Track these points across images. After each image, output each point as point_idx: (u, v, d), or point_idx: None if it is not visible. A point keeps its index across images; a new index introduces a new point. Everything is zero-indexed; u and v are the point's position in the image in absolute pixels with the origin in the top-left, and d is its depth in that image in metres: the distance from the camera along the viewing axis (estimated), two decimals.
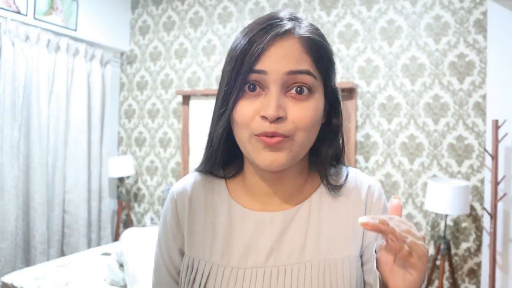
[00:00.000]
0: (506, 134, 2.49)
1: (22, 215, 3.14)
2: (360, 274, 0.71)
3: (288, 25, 0.65)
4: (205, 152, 0.76)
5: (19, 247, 3.10)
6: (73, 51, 3.51)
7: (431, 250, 2.91)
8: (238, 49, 0.65)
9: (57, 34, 3.40)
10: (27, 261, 3.18)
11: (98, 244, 3.74)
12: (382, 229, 0.53)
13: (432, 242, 2.91)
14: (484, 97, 2.77)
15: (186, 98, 3.67)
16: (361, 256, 0.72)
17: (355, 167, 3.09)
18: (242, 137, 0.67)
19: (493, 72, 2.69)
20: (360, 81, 3.13)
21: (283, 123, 0.63)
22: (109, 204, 3.94)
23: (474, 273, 2.80)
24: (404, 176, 2.99)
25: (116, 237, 3.91)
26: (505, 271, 2.64)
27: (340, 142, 0.76)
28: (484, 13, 2.77)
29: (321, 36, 0.69)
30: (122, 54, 4.17)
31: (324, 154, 0.74)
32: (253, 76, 0.64)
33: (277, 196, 0.73)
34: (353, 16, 3.17)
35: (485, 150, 2.56)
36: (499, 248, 2.62)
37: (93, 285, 2.43)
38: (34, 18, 3.18)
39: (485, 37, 2.77)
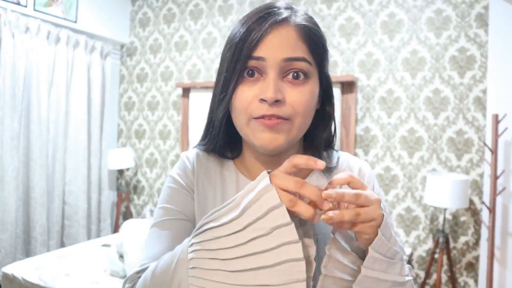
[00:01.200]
0: (506, 128, 2.50)
1: (22, 206, 3.15)
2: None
3: (284, 13, 0.68)
4: (206, 134, 0.80)
5: (19, 238, 3.11)
6: (73, 42, 3.50)
7: (430, 244, 2.92)
8: (237, 36, 0.68)
9: (57, 25, 3.39)
10: (27, 252, 3.20)
11: (98, 236, 3.76)
12: (343, 200, 0.57)
13: (430, 236, 2.92)
14: (484, 91, 2.77)
15: (186, 91, 3.67)
16: None
17: None
18: (241, 122, 0.70)
19: (493, 67, 2.68)
20: (360, 74, 3.12)
21: (281, 106, 0.66)
22: (109, 196, 3.95)
23: (472, 267, 2.81)
24: (403, 169, 3.00)
25: (115, 229, 3.92)
26: (503, 265, 2.66)
27: (332, 128, 0.80)
28: (486, 8, 2.76)
29: (316, 24, 0.72)
30: (122, 46, 4.16)
31: (318, 139, 0.78)
32: (252, 63, 0.66)
33: None
34: (354, 9, 3.16)
35: (484, 144, 2.57)
36: (497, 242, 2.63)
37: (93, 276, 2.44)
38: (34, 9, 3.17)
39: (486, 31, 2.76)
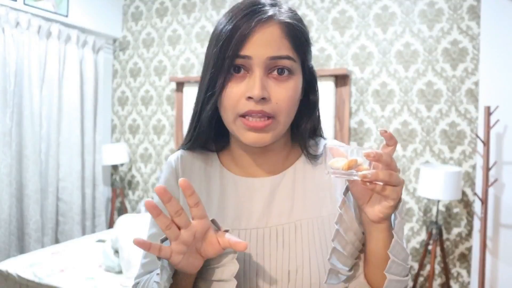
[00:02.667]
0: (498, 120, 2.51)
1: (15, 203, 3.13)
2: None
3: (270, 11, 0.70)
4: (191, 131, 0.80)
5: (13, 235, 3.10)
6: (64, 37, 3.47)
7: (423, 235, 2.95)
8: (223, 33, 0.69)
9: (48, 20, 3.35)
10: (21, 249, 3.19)
11: (93, 232, 3.75)
12: (380, 160, 0.60)
13: (424, 227, 2.95)
14: (476, 83, 2.78)
15: (180, 85, 3.65)
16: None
17: None
18: (228, 119, 0.72)
19: (486, 59, 2.70)
20: (354, 67, 3.13)
21: (267, 103, 0.68)
22: (103, 192, 3.94)
23: (465, 258, 2.84)
24: (397, 162, 3.00)
25: (110, 225, 3.91)
26: (495, 255, 2.68)
27: (317, 115, 0.82)
28: (478, 0, 2.77)
29: (299, 20, 0.74)
30: (114, 40, 4.13)
31: (303, 128, 0.80)
32: (238, 61, 0.68)
33: (263, 166, 0.80)
34: (347, 2, 3.16)
35: (477, 136, 2.59)
36: (489, 233, 2.66)
37: (88, 271, 2.44)
38: (24, 3, 3.13)
39: (478, 24, 2.77)
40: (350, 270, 0.72)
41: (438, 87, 2.89)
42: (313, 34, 3.25)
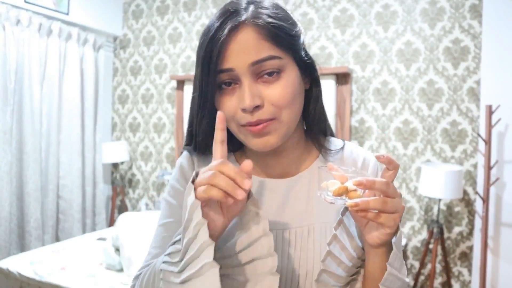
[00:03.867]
0: (500, 119, 2.51)
1: (16, 201, 3.13)
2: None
3: (242, 14, 0.66)
4: (190, 138, 0.78)
5: (14, 233, 3.10)
6: (65, 35, 3.46)
7: (424, 234, 2.94)
8: (202, 49, 0.67)
9: (48, 17, 3.35)
10: (22, 247, 3.18)
11: (93, 230, 3.75)
12: (373, 187, 0.58)
13: (425, 226, 2.94)
14: (478, 82, 2.78)
15: (181, 83, 3.65)
16: None
17: None
18: (232, 128, 0.71)
19: (487, 58, 2.69)
20: (355, 66, 3.12)
21: (262, 110, 0.66)
22: (104, 190, 3.94)
23: (466, 257, 2.84)
24: (398, 161, 3.01)
25: (110, 223, 3.91)
26: (496, 254, 2.68)
27: (324, 109, 0.80)
28: None
29: (277, 14, 0.68)
30: (115, 38, 4.12)
31: (312, 115, 0.77)
32: (223, 75, 0.66)
33: (277, 168, 0.78)
34: (348, 0, 3.15)
35: (478, 135, 2.58)
36: (490, 232, 2.66)
37: (89, 269, 2.44)
38: (25, 1, 3.12)
39: (480, 22, 2.77)
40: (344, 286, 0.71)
41: (440, 85, 2.88)
42: (314, 33, 3.24)
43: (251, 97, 0.65)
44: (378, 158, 0.60)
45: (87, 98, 3.69)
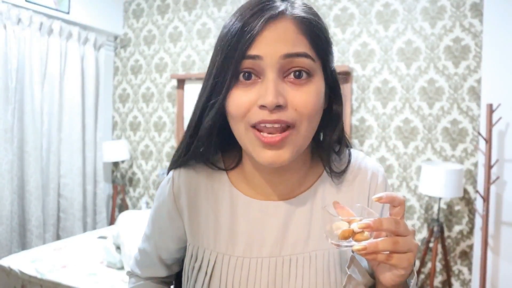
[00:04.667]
0: (500, 118, 2.51)
1: (17, 199, 3.13)
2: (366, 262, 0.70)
3: (281, 6, 0.61)
4: (188, 143, 0.71)
5: (15, 232, 3.10)
6: (66, 34, 3.47)
7: (424, 233, 2.94)
8: (229, 35, 0.61)
9: (49, 17, 3.35)
10: (23, 245, 3.19)
11: (94, 228, 3.75)
12: (381, 228, 0.54)
13: (425, 225, 2.95)
14: (479, 81, 2.78)
15: (181, 82, 3.65)
16: None
17: None
18: (239, 130, 0.63)
19: (488, 57, 2.69)
20: (355, 64, 3.12)
21: (284, 111, 0.59)
22: (104, 189, 3.94)
23: (466, 255, 2.84)
24: (398, 159, 3.01)
25: (111, 222, 3.92)
26: (497, 253, 2.68)
27: (341, 127, 0.73)
28: None
29: (316, 15, 0.65)
30: (115, 37, 4.12)
31: (328, 142, 0.71)
32: (247, 63, 0.59)
33: (279, 187, 0.71)
34: None
35: (479, 134, 2.58)
36: (491, 230, 2.66)
37: (90, 267, 2.44)
38: (26, 0, 3.12)
39: (481, 21, 2.77)
40: None
41: (440, 84, 2.88)
42: None
43: (275, 94, 0.57)
44: (379, 200, 0.56)
45: (88, 97, 3.69)
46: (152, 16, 3.95)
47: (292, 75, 0.60)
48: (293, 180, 0.71)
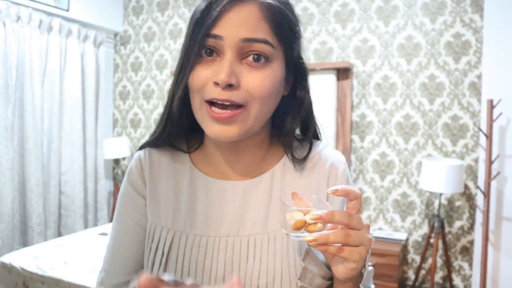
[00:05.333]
0: (501, 113, 2.51)
1: (18, 197, 3.14)
2: None
3: None
4: (162, 122, 0.72)
5: (16, 229, 3.11)
6: (65, 31, 3.46)
7: (425, 229, 2.95)
8: (196, 13, 0.63)
9: (49, 14, 3.34)
10: (25, 242, 3.20)
11: (95, 225, 3.76)
12: (332, 220, 0.53)
13: (426, 221, 2.95)
14: (479, 76, 2.77)
15: None
16: None
17: (351, 147, 3.11)
18: (195, 104, 0.65)
19: (489, 52, 2.68)
20: (355, 60, 3.12)
21: (235, 91, 0.60)
22: (105, 186, 3.95)
23: (467, 251, 2.84)
24: (399, 155, 3.01)
25: (112, 218, 3.92)
26: (497, 248, 2.69)
27: (307, 114, 0.73)
28: None
29: (285, 4, 0.65)
30: (115, 34, 4.12)
31: (288, 128, 0.72)
32: (210, 41, 0.61)
33: (236, 166, 0.72)
34: None
35: (479, 129, 2.58)
36: (491, 226, 2.66)
37: (91, 264, 2.45)
38: None
39: (481, 16, 2.76)
40: None
41: (441, 80, 2.88)
42: (314, 27, 3.24)
43: (228, 73, 0.59)
44: (334, 193, 0.56)
45: (88, 95, 3.69)
46: (152, 13, 3.94)
47: (250, 58, 0.61)
48: (250, 160, 0.72)
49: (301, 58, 0.71)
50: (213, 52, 0.62)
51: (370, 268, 0.73)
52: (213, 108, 0.62)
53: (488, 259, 2.60)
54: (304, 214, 0.55)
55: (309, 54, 3.21)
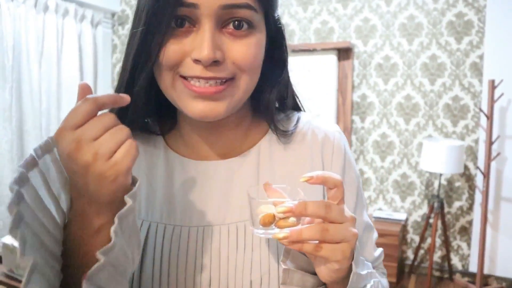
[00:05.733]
0: (502, 94, 2.50)
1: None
2: None
3: None
4: (124, 109, 0.59)
5: None
6: (62, 11, 3.40)
7: (425, 209, 2.96)
8: None
9: None
10: None
11: None
12: (305, 213, 0.45)
13: (426, 201, 2.96)
14: (481, 57, 2.75)
15: None
16: None
17: (351, 127, 3.10)
18: (165, 81, 0.54)
19: (491, 32, 2.66)
20: (356, 41, 3.08)
21: (221, 66, 0.52)
22: None
23: (465, 231, 2.87)
24: (399, 136, 3.00)
25: None
26: (496, 229, 2.71)
27: (286, 80, 0.64)
28: None
29: None
30: (113, 14, 4.05)
31: (269, 96, 0.62)
32: (182, 10, 0.51)
33: (217, 145, 0.63)
34: None
35: (480, 110, 2.57)
36: (490, 206, 2.68)
37: None
38: None
39: None
40: None
41: (442, 60, 2.85)
42: (315, 7, 3.19)
43: (211, 47, 0.50)
44: (308, 180, 0.47)
45: (87, 75, 3.65)
46: None
47: (231, 26, 0.52)
48: (232, 137, 0.63)
49: (279, 21, 0.61)
50: (184, 22, 0.52)
51: (378, 252, 0.67)
52: (192, 82, 0.53)
53: (486, 238, 2.63)
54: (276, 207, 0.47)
55: (310, 34, 3.17)
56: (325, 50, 2.98)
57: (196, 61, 0.51)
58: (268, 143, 0.63)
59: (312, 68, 2.99)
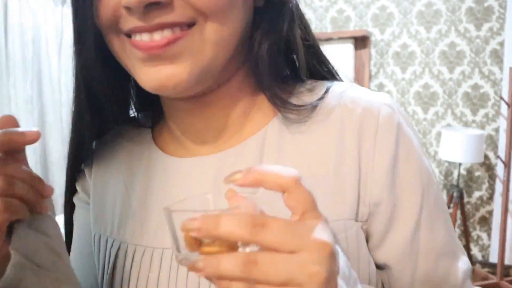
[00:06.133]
0: None
1: (40, 170, 3.21)
2: (364, 253, 0.43)
3: None
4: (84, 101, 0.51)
5: None
6: None
7: (444, 199, 2.94)
8: None
9: None
10: None
11: None
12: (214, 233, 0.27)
13: (445, 191, 2.94)
14: (502, 44, 2.69)
15: None
16: (362, 221, 0.44)
17: None
18: (114, 47, 0.42)
19: None
20: (373, 29, 3.05)
21: (167, 10, 0.37)
22: None
23: (485, 221, 2.84)
24: (418, 125, 2.97)
25: None
26: None
27: (293, 32, 0.46)
28: None
29: None
30: None
31: (258, 48, 0.44)
32: None
33: (207, 135, 0.48)
34: None
35: (501, 98, 2.53)
36: (511, 196, 2.64)
37: None
38: None
39: None
40: None
41: (461, 48, 2.80)
42: None
43: None
44: (238, 183, 0.29)
45: None
46: None
47: None
48: (222, 120, 0.47)
49: None
50: None
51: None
52: (137, 38, 0.39)
53: (507, 229, 2.59)
54: None
55: (326, 22, 3.15)
56: (341, 39, 2.96)
57: (127, 8, 0.37)
58: (277, 127, 0.46)
59: (329, 57, 2.97)
